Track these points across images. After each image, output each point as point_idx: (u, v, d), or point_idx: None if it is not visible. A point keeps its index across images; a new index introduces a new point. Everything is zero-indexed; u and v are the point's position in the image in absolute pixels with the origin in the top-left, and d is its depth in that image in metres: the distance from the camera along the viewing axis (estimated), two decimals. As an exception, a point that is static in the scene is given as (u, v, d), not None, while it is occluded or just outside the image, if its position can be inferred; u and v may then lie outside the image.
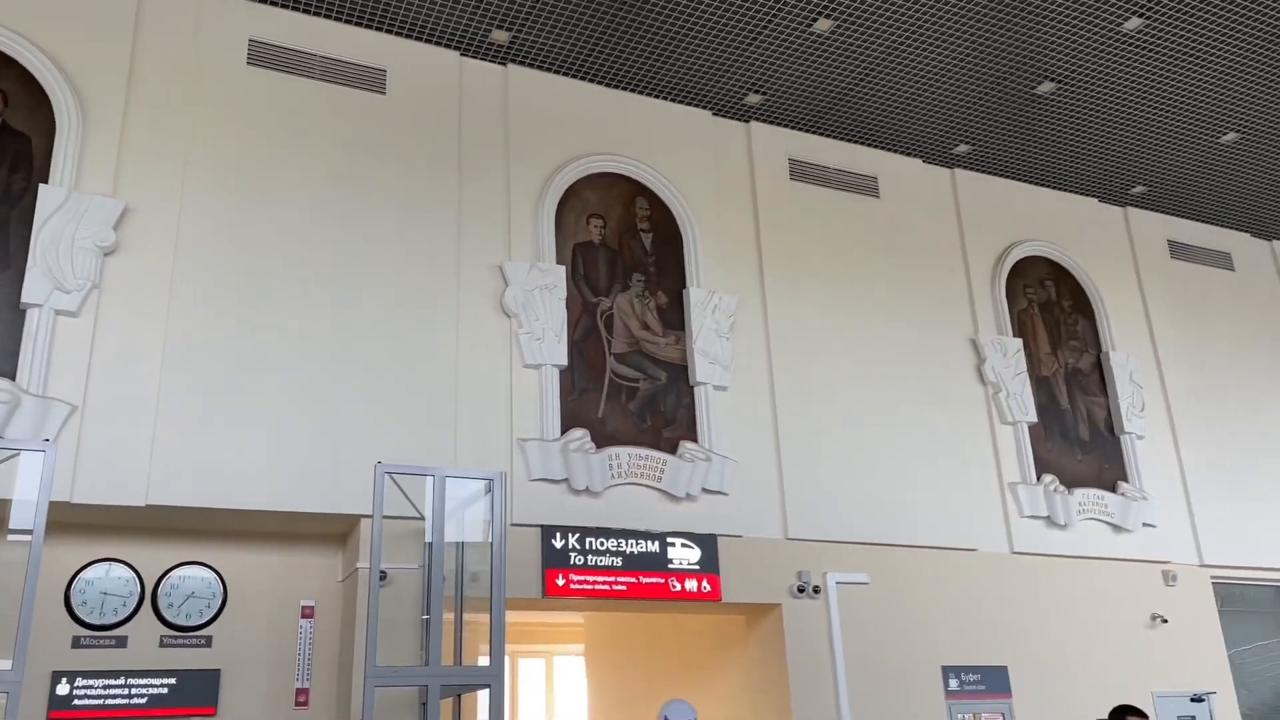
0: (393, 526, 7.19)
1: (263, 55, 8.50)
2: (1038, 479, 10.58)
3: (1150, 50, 9.62)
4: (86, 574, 7.52)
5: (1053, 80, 10.00)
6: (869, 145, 11.09)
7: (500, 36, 9.08)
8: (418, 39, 9.08)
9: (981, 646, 9.61)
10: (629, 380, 9.06)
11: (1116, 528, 10.73)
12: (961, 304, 11.05)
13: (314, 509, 7.53)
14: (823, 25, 9.04)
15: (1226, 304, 12.80)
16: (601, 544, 8.36)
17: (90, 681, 7.24)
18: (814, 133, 10.81)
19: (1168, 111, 10.61)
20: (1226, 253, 13.12)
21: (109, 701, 7.23)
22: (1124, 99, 10.37)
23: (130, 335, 7.37)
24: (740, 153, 10.47)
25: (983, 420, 10.64)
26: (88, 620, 7.41)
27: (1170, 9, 9.06)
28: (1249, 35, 9.44)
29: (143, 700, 7.30)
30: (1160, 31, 9.35)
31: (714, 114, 10.38)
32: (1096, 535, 10.63)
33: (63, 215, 7.31)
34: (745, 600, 8.83)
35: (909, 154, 11.29)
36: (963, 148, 11.23)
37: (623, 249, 9.50)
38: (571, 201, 9.40)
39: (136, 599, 7.55)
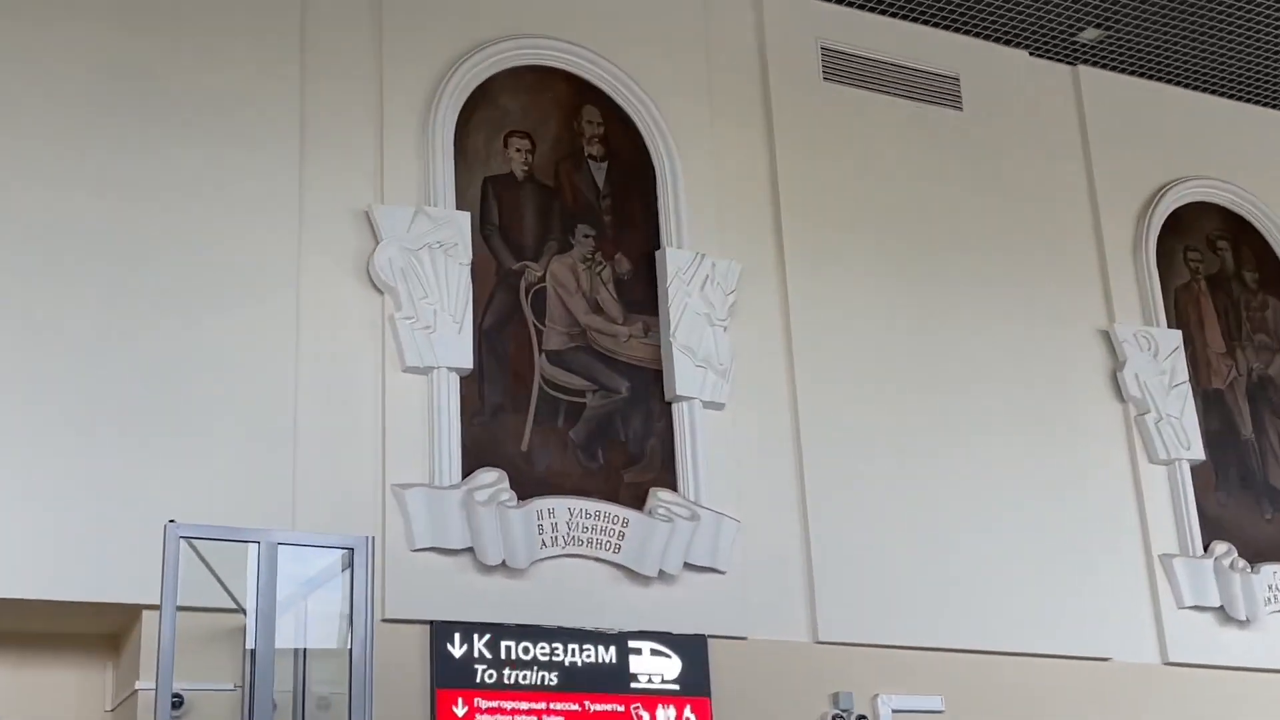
0: (195, 624, 7.04)
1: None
2: (1205, 549, 10.60)
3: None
4: None
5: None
6: (945, 27, 11.13)
7: None
8: None
9: (1118, 810, 9.69)
10: (570, 393, 9.02)
11: (1328, 625, 10.83)
12: (1088, 277, 11.11)
13: (63, 596, 7.45)
14: None
15: None
16: (526, 651, 8.31)
17: None
18: (860, 6, 10.83)
19: None
20: None
21: None
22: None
23: None
24: (746, 38, 10.49)
25: (1120, 457, 10.70)
26: None
27: None
28: None
29: None
30: None
31: (705, -23, 10.49)
32: (1296, 636, 10.74)
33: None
34: (752, 739, 8.84)
35: (1008, 42, 11.36)
36: (1092, 32, 11.30)
37: (562, 186, 9.46)
38: (481, 111, 9.36)
39: None
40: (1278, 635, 10.68)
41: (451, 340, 8.68)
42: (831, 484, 9.60)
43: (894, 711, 9.19)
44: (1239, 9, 10.96)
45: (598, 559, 8.69)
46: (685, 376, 9.25)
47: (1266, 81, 12.15)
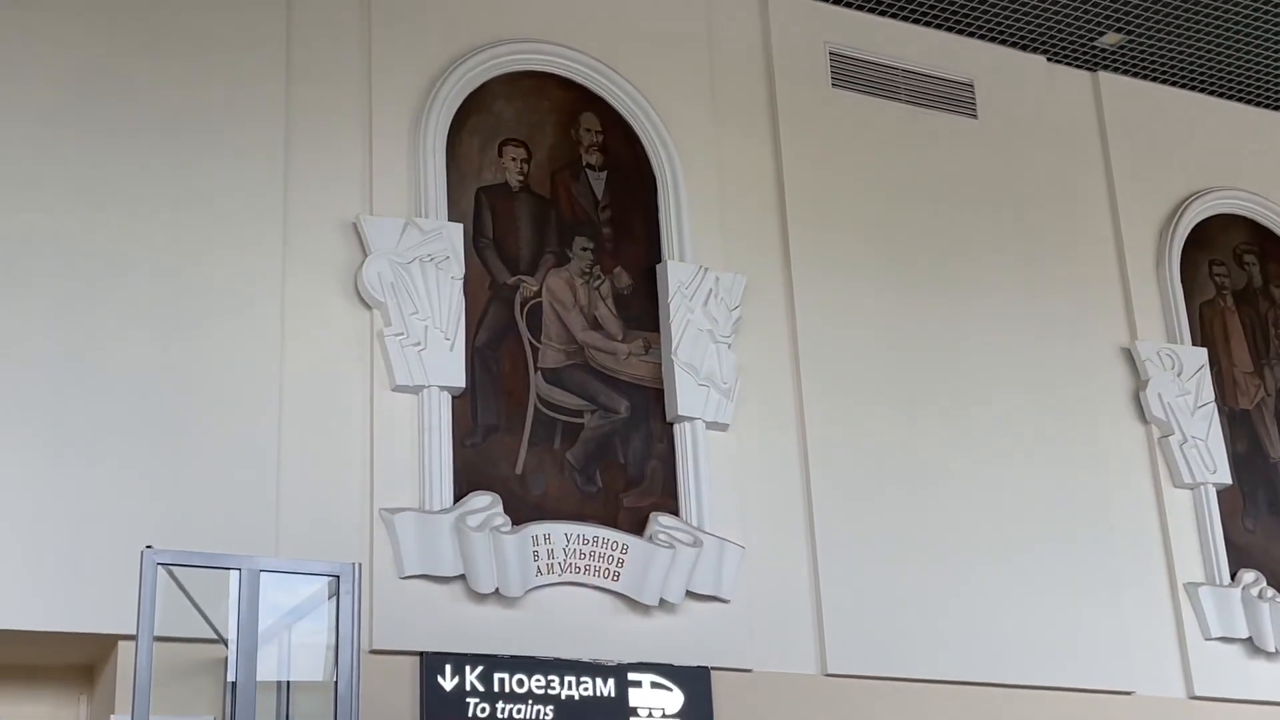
0: (173, 655, 7.03)
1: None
2: (1232, 577, 10.61)
3: None
4: None
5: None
6: (959, 31, 11.17)
7: None
8: None
9: None
10: (567, 413, 9.03)
11: (1363, 658, 10.81)
12: (1108, 292, 11.14)
13: (34, 626, 7.44)
14: None
15: None
16: (521, 684, 8.29)
17: None
18: (870, 9, 10.87)
19: None
20: None
21: None
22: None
23: None
24: (752, 42, 10.52)
25: (1143, 481, 10.71)
26: None
27: None
28: None
29: None
30: None
31: (708, -20, 10.52)
32: (1330, 670, 10.71)
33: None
34: (758, 777, 8.82)
35: (1024, 47, 11.40)
36: (1112, 37, 11.33)
37: (559, 197, 9.48)
38: (474, 119, 9.39)
39: None
40: (1310, 668, 10.66)
41: (443, 358, 8.67)
42: (841, 508, 9.60)
43: (907, 748, 9.18)
44: (1266, 12, 10.96)
45: (596, 587, 8.68)
46: (687, 396, 9.25)
47: (1295, 89, 12.17)
